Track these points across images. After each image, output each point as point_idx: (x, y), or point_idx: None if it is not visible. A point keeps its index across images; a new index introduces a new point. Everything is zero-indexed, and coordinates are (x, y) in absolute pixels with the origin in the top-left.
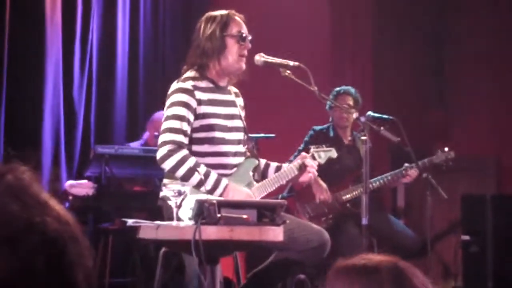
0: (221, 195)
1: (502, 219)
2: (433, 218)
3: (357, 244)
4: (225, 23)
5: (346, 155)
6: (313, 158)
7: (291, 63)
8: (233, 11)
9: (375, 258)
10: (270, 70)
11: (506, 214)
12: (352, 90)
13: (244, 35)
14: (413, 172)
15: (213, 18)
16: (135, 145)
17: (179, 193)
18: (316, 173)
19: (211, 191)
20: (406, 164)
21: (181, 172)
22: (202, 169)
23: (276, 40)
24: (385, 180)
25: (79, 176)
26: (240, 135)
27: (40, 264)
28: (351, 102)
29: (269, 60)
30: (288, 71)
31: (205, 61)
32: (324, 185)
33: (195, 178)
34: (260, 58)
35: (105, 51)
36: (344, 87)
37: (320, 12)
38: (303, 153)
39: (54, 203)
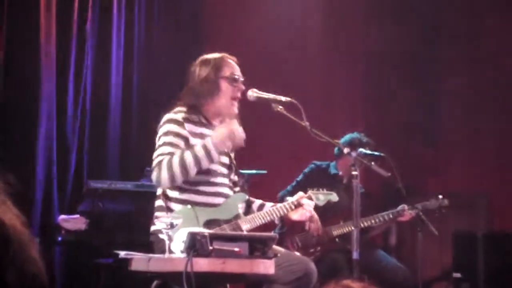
0: (215, 146)
1: (493, 257)
2: (424, 256)
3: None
4: (218, 66)
5: (342, 193)
6: (310, 199)
7: (283, 98)
8: (226, 55)
9: (355, 285)
10: (262, 105)
11: (497, 252)
12: (363, 138)
13: (237, 77)
14: (408, 214)
15: (207, 61)
16: None
17: (171, 226)
18: (313, 213)
19: (207, 155)
20: (400, 207)
21: (178, 174)
22: (189, 154)
23: (269, 75)
24: (377, 220)
25: (71, 211)
26: (226, 171)
27: None
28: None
29: (262, 96)
30: (280, 107)
31: (199, 103)
32: (316, 215)
33: (190, 163)
34: (252, 93)
35: (98, 85)
36: (356, 136)
37: (312, 49)
38: (301, 193)
39: (2, 212)
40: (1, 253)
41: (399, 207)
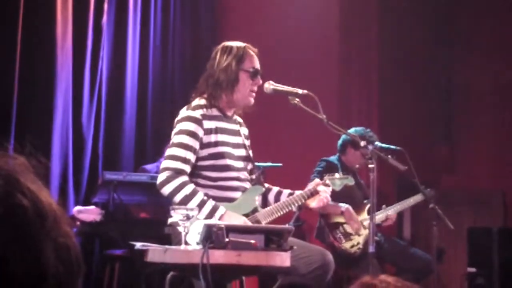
0: (220, 217)
1: (508, 251)
2: (439, 250)
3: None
4: (241, 57)
5: (355, 188)
6: (326, 185)
7: (300, 91)
8: (248, 45)
9: (387, 280)
10: (278, 99)
11: None
12: (367, 133)
13: (256, 71)
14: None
15: (229, 49)
16: (151, 167)
17: (188, 217)
18: (330, 200)
19: (209, 213)
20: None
21: (178, 198)
22: (199, 197)
23: (285, 68)
24: (394, 209)
25: (86, 202)
26: (243, 164)
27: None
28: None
29: (279, 88)
30: (297, 99)
31: (217, 92)
32: (355, 215)
33: (191, 205)
34: (269, 86)
35: (114, 78)
36: (359, 132)
37: (329, 43)
38: (317, 180)
39: (36, 189)
40: (37, 228)
41: (418, 195)
